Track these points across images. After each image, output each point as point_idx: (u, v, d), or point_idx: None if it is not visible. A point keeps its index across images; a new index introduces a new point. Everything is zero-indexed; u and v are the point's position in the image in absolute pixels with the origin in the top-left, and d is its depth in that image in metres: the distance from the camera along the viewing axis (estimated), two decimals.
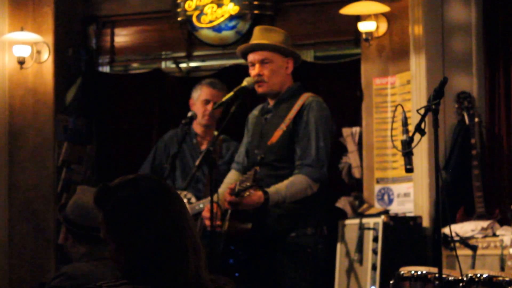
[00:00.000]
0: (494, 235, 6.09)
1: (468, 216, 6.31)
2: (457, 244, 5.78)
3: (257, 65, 5.15)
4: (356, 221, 6.51)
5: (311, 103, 5.10)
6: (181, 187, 5.90)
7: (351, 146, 7.09)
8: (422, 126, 3.63)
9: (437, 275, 3.85)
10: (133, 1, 7.94)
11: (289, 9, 7.53)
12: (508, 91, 6.50)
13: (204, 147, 6.20)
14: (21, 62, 7.54)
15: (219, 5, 7.49)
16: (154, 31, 8.00)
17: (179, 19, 7.64)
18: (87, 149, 7.89)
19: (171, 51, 8.15)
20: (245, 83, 5.15)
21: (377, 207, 6.85)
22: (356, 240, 6.42)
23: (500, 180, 6.50)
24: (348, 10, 6.86)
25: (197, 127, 6.27)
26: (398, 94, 6.87)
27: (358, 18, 6.97)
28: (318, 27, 7.45)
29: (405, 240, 6.34)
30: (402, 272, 4.31)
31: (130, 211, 2.54)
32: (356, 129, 7.09)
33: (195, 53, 7.93)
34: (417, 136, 3.64)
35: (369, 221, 6.41)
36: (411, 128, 3.68)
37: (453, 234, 6.01)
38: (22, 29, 7.55)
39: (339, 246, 6.62)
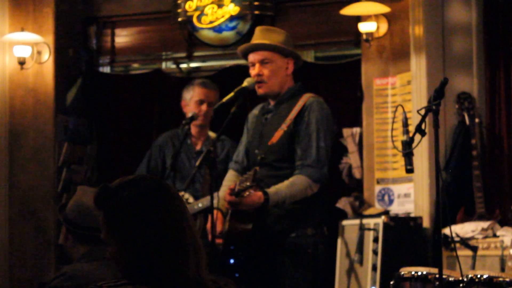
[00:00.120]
0: (495, 235, 6.08)
1: (469, 216, 6.31)
2: (458, 245, 5.77)
3: (257, 65, 5.14)
4: (357, 221, 6.50)
5: (312, 104, 5.10)
6: (179, 188, 5.86)
7: (351, 147, 7.08)
8: (423, 126, 3.63)
9: (437, 276, 3.86)
10: (133, 2, 7.93)
11: (290, 9, 7.53)
12: (509, 91, 6.50)
13: (198, 147, 6.19)
14: (22, 62, 7.54)
15: (220, 6, 7.48)
16: (154, 31, 8.00)
17: (179, 19, 7.63)
18: (88, 150, 7.89)
19: (172, 52, 8.14)
20: (245, 83, 5.14)
21: (378, 207, 6.85)
22: (356, 241, 6.42)
23: (500, 181, 6.50)
24: (349, 10, 6.86)
25: (191, 128, 6.23)
26: (398, 94, 6.87)
27: (359, 18, 6.96)
28: (318, 27, 7.44)
29: (406, 240, 6.34)
30: (402, 273, 4.31)
31: (130, 211, 2.54)
32: (356, 130, 7.09)
33: (196, 54, 7.93)
34: (417, 137, 3.64)
35: (369, 222, 6.41)
36: (412, 128, 3.67)
37: (454, 235, 6.00)
38: (22, 30, 7.54)
39: (339, 247, 6.62)
